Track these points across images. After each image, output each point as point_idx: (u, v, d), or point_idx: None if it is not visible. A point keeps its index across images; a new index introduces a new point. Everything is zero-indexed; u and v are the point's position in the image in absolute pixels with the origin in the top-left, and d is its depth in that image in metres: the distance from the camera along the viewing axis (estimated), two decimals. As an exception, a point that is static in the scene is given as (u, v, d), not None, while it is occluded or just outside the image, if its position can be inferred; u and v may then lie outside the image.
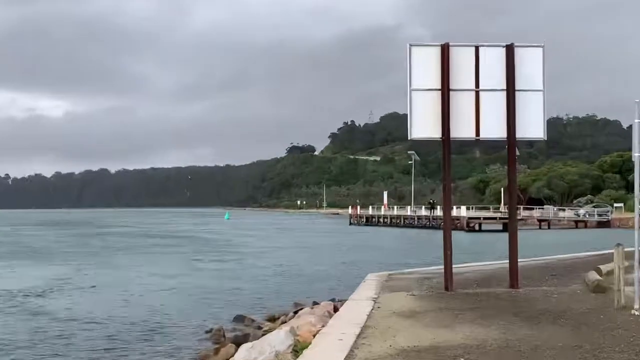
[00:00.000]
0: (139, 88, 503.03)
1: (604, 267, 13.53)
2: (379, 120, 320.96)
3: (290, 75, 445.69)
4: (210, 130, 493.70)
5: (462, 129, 11.70)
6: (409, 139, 11.85)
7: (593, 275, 11.76)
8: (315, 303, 15.75)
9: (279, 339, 8.72)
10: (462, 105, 11.64)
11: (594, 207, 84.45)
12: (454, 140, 11.81)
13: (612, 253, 20.38)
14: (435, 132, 11.68)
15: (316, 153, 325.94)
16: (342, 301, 13.36)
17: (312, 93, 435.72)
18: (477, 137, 11.81)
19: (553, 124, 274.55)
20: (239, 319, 14.59)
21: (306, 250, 38.10)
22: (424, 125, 11.68)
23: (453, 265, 12.18)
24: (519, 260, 12.15)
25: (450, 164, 11.85)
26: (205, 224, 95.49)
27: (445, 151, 11.75)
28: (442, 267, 12.16)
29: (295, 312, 13.61)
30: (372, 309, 9.69)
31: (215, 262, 31.18)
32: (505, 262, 17.24)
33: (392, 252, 36.18)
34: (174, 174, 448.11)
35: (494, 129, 11.73)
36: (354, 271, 24.89)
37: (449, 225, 11.93)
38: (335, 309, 11.92)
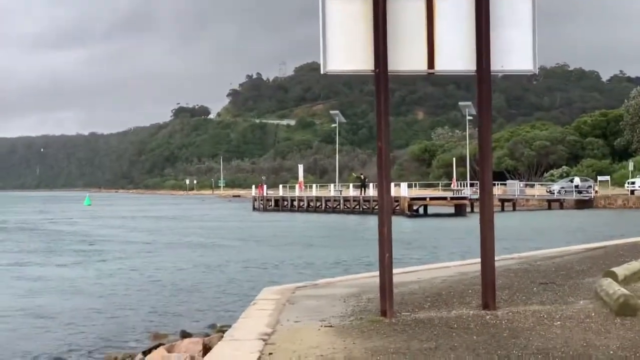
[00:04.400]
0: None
1: (620, 270, 11.71)
2: (292, 73, 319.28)
3: (198, 21, 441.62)
4: (75, 90, 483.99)
5: (407, 57, 9.57)
6: (322, 72, 9.56)
7: (611, 286, 9.81)
8: (184, 334, 13.52)
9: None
10: (406, 19, 9.54)
11: (571, 181, 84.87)
12: (394, 76, 9.65)
13: (619, 245, 18.95)
14: (364, 63, 9.51)
15: (211, 116, 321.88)
16: (224, 330, 11.20)
17: (215, 43, 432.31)
18: (431, 70, 9.69)
19: (515, 77, 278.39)
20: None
21: (186, 250, 35.54)
22: (346, 51, 9.51)
23: (393, 271, 10.06)
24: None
25: (388, 114, 9.63)
26: (55, 212, 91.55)
27: (381, 91, 9.50)
28: (377, 275, 10.04)
29: (147, 352, 11.30)
30: (260, 358, 7.42)
31: (51, 266, 28.68)
32: (468, 264, 15.35)
33: (305, 251, 33.76)
34: (22, 145, 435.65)
35: (456, 56, 9.66)
36: (248, 281, 22.70)
37: (387, 213, 9.72)
38: (206, 349, 9.68)
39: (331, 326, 8.98)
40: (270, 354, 7.56)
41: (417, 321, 9.13)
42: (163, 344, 12.09)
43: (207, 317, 16.20)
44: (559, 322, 8.71)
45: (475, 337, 8.08)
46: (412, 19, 9.58)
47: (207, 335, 12.93)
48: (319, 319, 9.39)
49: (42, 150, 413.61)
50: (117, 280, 23.84)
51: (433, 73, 9.79)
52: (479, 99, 9.84)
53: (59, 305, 18.92)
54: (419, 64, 9.64)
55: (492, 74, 9.71)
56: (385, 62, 9.40)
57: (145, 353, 11.49)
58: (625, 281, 11.35)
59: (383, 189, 9.60)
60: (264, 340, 8.23)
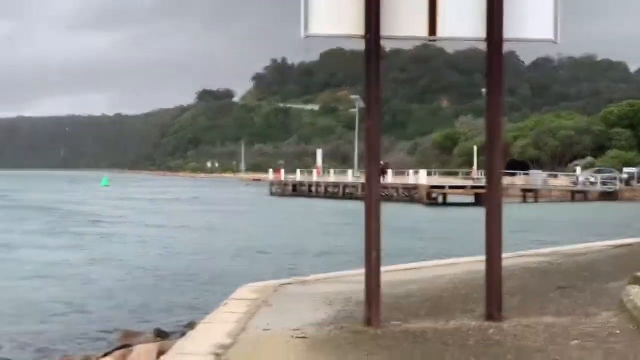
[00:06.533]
0: (32, 11, 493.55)
1: (650, 276, 10.14)
2: (318, 59, 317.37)
3: (227, 4, 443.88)
4: (105, 71, 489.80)
5: (404, 21, 8.05)
6: (303, 36, 8.06)
7: (640, 297, 8.25)
8: (159, 333, 12.16)
9: None
10: (404, -25, 7.99)
11: (596, 172, 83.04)
12: (390, 42, 8.19)
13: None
14: (353, 26, 8.00)
15: (235, 100, 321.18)
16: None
17: (242, 26, 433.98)
18: (433, 37, 8.18)
19: (541, 66, 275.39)
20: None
21: (190, 234, 34.16)
22: (332, 11, 7.99)
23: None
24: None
25: (379, 88, 8.12)
26: (70, 192, 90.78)
27: (372, 60, 8.00)
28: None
29: (107, 355, 9.92)
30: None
31: (41, 249, 27.62)
32: (479, 261, 13.78)
33: (311, 240, 31.98)
34: (50, 125, 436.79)
35: (462, 21, 8.13)
36: (241, 271, 21.31)
37: (376, 204, 8.25)
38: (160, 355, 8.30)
39: (305, 337, 7.53)
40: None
41: (407, 334, 7.66)
42: (130, 345, 10.76)
43: (191, 313, 14.72)
44: (576, 342, 7.19)
45: (473, 358, 6.60)
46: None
47: (184, 334, 11.54)
48: (294, 327, 7.95)
49: (67, 130, 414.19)
50: (107, 266, 22.58)
51: (435, 40, 8.29)
52: (489, 70, 8.30)
53: (34, 294, 17.60)
54: (418, 29, 8.12)
55: (504, 42, 8.18)
56: (377, 26, 7.90)
57: (105, 357, 10.15)
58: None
59: (371, 175, 8.11)
60: (217, 355, 6.79)
